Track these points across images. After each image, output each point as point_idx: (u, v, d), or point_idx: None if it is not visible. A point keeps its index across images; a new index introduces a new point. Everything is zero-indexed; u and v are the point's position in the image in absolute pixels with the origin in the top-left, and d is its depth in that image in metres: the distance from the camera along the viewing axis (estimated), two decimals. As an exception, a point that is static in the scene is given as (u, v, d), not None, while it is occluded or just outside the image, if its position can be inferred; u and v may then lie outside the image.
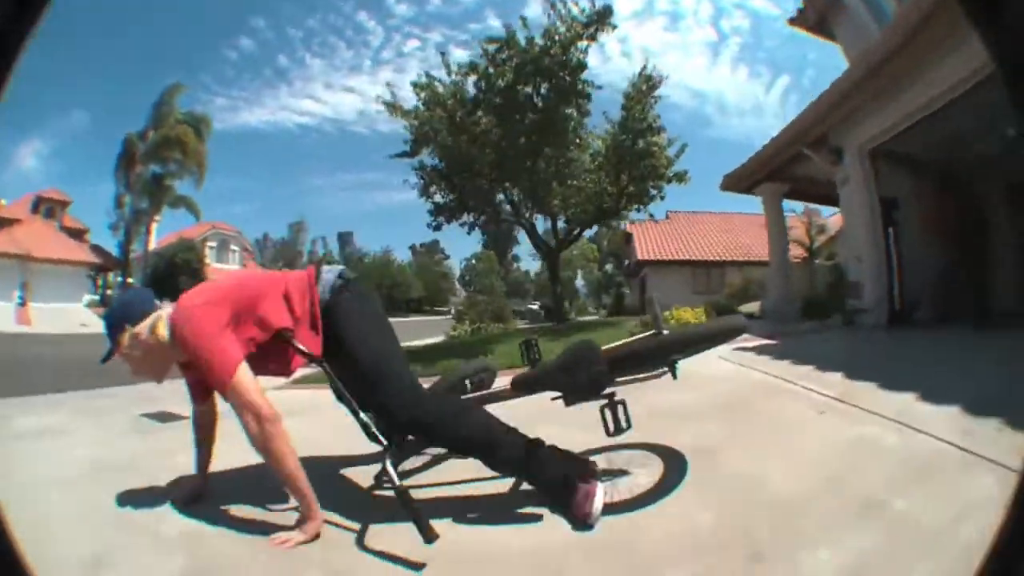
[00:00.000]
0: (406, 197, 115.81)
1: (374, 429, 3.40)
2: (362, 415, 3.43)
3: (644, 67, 19.16)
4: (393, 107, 17.63)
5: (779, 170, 15.70)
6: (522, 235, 22.96)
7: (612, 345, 3.95)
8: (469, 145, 17.08)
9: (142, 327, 3.48)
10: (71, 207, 49.00)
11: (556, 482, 3.30)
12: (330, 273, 3.67)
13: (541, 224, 23.30)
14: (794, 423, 4.76)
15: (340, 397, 3.62)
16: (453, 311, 50.58)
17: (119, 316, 3.60)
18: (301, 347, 3.43)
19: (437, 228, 19.95)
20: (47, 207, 46.86)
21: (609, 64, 63.98)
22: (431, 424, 3.49)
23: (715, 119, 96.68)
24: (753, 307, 17.15)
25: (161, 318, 3.49)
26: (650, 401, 4.63)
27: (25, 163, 77.81)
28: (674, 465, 3.75)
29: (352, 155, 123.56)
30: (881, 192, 12.54)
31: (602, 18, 16.36)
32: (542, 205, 19.65)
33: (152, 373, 3.66)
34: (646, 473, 3.64)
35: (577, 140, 18.48)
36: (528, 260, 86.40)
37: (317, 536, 3.23)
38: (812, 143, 13.40)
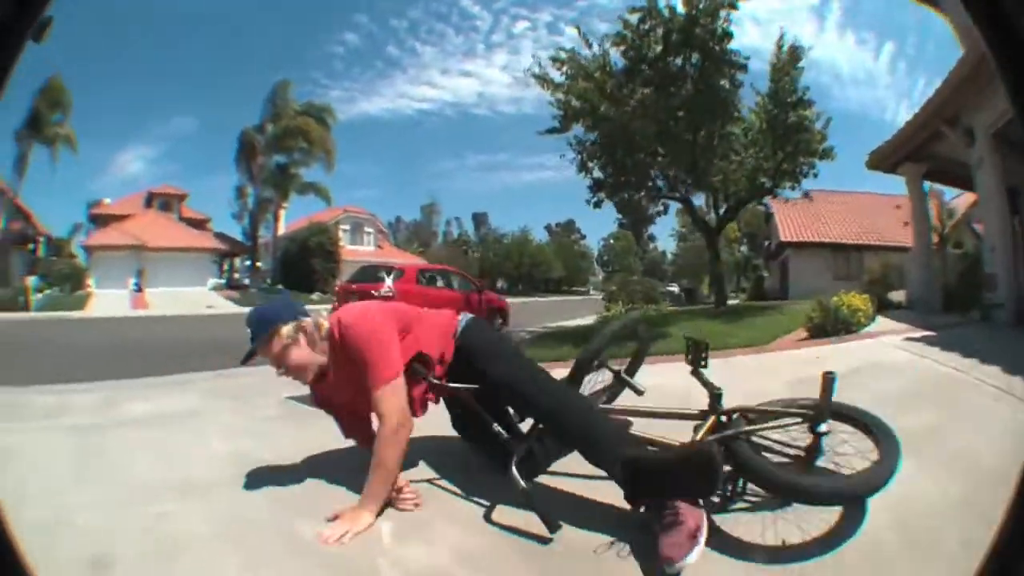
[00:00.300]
0: (536, 177, 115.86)
1: (504, 436, 4.00)
2: (495, 425, 4.03)
3: (781, 36, 19.45)
4: (544, 80, 17.79)
5: (920, 149, 15.58)
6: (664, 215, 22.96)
7: (747, 429, 3.87)
8: (632, 117, 17.13)
9: (308, 322, 3.96)
10: (189, 200, 52.10)
11: (666, 509, 3.19)
12: (465, 316, 4.33)
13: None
14: (979, 407, 5.66)
15: (459, 425, 4.59)
16: (602, 292, 51.38)
17: (276, 313, 4.00)
18: (433, 379, 4.05)
19: (597, 204, 19.94)
20: (161, 201, 50.31)
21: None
22: (561, 413, 3.79)
23: (832, 90, 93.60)
24: (900, 296, 17.06)
25: (323, 316, 4.07)
26: (865, 385, 5.94)
27: (129, 168, 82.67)
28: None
29: (477, 137, 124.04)
30: (1007, 180, 12.27)
31: None
32: (702, 181, 19.53)
33: (306, 371, 4.03)
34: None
35: (735, 113, 18.54)
36: (664, 240, 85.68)
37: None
38: (947, 121, 13.31)
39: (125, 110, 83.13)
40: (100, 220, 47.64)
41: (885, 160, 17.45)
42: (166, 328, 23.47)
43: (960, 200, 22.42)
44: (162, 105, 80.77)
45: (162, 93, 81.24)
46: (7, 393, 8.26)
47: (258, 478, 4.50)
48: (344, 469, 4.41)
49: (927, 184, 18.74)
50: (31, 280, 34.51)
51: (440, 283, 18.85)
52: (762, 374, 7.99)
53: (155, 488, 4.24)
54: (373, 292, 16.31)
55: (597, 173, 19.46)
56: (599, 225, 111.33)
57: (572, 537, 3.37)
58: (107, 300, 35.57)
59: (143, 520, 3.70)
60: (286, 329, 3.88)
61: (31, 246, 42.21)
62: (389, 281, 17.16)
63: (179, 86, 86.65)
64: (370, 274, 19.16)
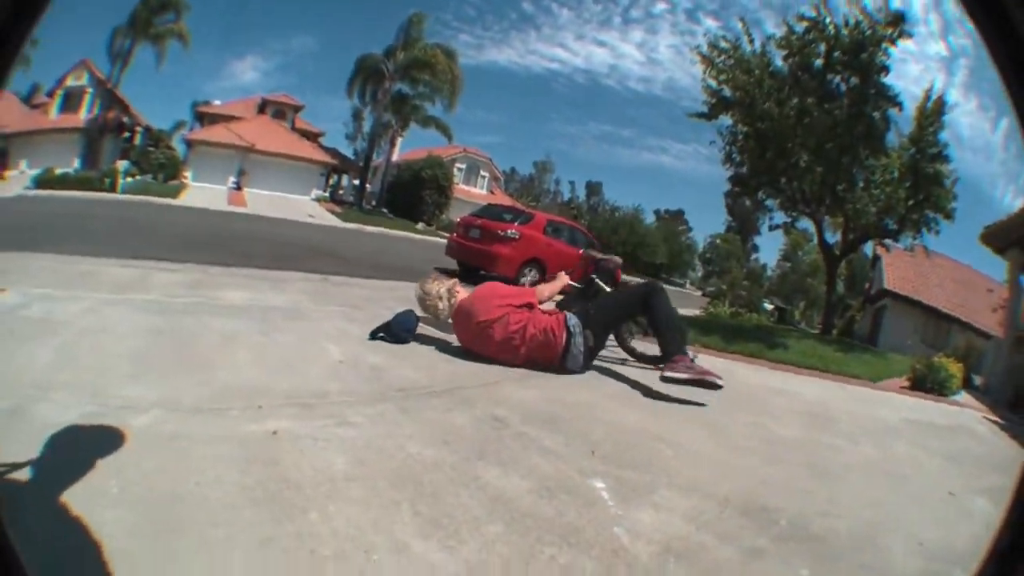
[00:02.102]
0: (654, 160, 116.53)
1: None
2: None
3: (931, 87, 19.29)
4: (710, 63, 17.48)
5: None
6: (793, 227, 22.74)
7: None
8: (795, 121, 16.78)
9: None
10: (304, 112, 53.52)
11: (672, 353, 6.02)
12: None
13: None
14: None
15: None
16: (700, 289, 50.77)
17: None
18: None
19: (735, 198, 19.87)
20: (275, 109, 51.94)
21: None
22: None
23: (950, 150, 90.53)
24: (979, 380, 16.82)
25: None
26: (963, 442, 7.16)
27: (243, 77, 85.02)
28: None
29: (603, 107, 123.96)
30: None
31: (898, 22, 16.25)
32: (839, 204, 19.19)
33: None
34: None
35: (883, 147, 18.08)
36: (765, 253, 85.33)
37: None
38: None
39: (246, 23, 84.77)
40: (207, 118, 49.50)
41: (997, 239, 16.91)
42: (263, 226, 23.29)
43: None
44: (285, 22, 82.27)
45: (287, 10, 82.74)
46: (75, 263, 7.69)
47: (404, 396, 4.33)
48: (496, 396, 4.69)
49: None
50: (121, 164, 35.18)
51: (565, 237, 18.45)
52: (878, 406, 8.59)
53: (261, 394, 3.78)
54: (499, 232, 16.54)
55: (742, 168, 19.26)
56: (708, 223, 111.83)
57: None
58: (202, 193, 36.17)
59: (243, 438, 3.14)
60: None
61: (127, 134, 43.06)
62: (518, 223, 17.16)
63: (305, 5, 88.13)
64: (495, 212, 19.14)
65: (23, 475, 2.30)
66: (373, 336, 6.16)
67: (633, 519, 3.02)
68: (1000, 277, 20.87)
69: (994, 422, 9.40)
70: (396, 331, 6.21)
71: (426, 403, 4.30)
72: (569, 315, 6.28)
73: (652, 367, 7.04)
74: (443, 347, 6.31)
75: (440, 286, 6.49)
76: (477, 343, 6.13)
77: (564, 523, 2.84)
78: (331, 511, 2.54)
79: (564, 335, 6.12)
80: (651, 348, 7.02)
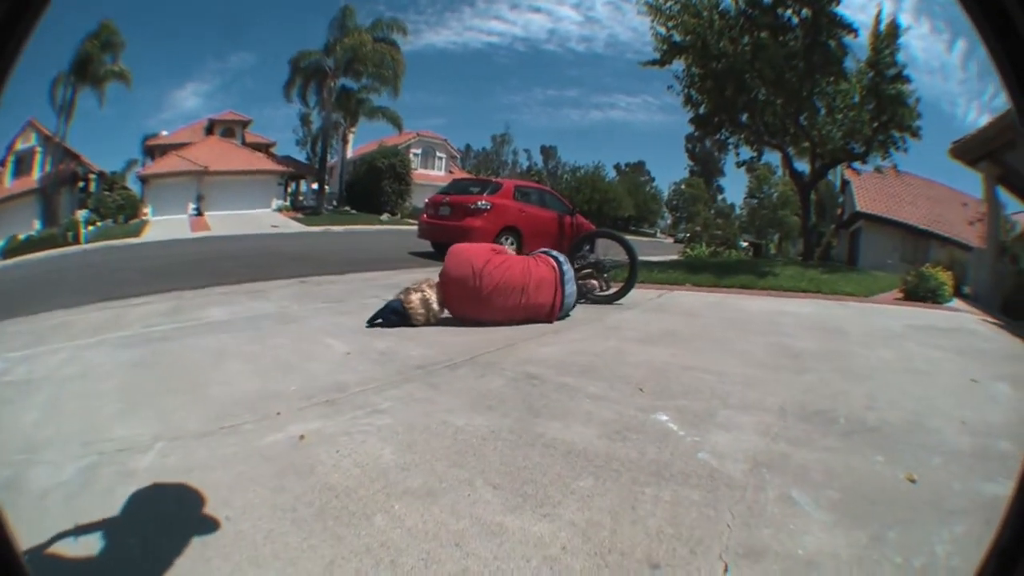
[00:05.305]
0: (604, 116, 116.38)
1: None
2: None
3: (879, 11, 19.22)
4: (657, 11, 17.26)
5: (998, 151, 15.19)
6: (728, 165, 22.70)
7: None
8: (750, 56, 16.85)
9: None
10: (252, 126, 52.40)
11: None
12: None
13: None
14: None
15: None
16: (671, 236, 50.41)
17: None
18: None
19: (699, 140, 20.03)
20: (224, 128, 50.49)
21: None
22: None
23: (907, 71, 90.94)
24: (968, 289, 16.54)
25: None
26: (967, 341, 7.24)
27: (186, 104, 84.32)
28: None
29: (547, 73, 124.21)
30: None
31: None
32: (804, 132, 19.25)
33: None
34: None
35: (842, 72, 18.26)
36: (731, 194, 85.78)
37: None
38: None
39: (179, 50, 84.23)
40: (157, 151, 47.91)
41: (968, 153, 16.69)
42: (229, 245, 22.37)
43: (1022, 216, 22.01)
44: (217, 41, 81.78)
45: (215, 30, 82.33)
46: (47, 319, 7.34)
47: (426, 373, 4.25)
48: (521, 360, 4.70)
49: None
50: (81, 214, 34.80)
51: (535, 201, 18.21)
52: (879, 317, 8.94)
53: (273, 401, 3.61)
54: (469, 205, 16.19)
55: (703, 108, 19.15)
56: (670, 171, 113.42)
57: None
58: (164, 226, 35.15)
59: (265, 451, 2.91)
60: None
61: (82, 184, 42.38)
62: (487, 194, 16.77)
63: (234, 23, 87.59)
64: (463, 186, 18.89)
65: (35, 560, 1.95)
66: (371, 323, 6.16)
67: (711, 443, 3.07)
68: (972, 191, 20.89)
69: (992, 323, 9.65)
70: (391, 315, 6.21)
71: (451, 375, 4.21)
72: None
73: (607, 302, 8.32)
74: (441, 324, 6.33)
75: (418, 293, 6.47)
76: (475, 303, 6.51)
77: (649, 460, 2.82)
78: (397, 510, 2.30)
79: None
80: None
